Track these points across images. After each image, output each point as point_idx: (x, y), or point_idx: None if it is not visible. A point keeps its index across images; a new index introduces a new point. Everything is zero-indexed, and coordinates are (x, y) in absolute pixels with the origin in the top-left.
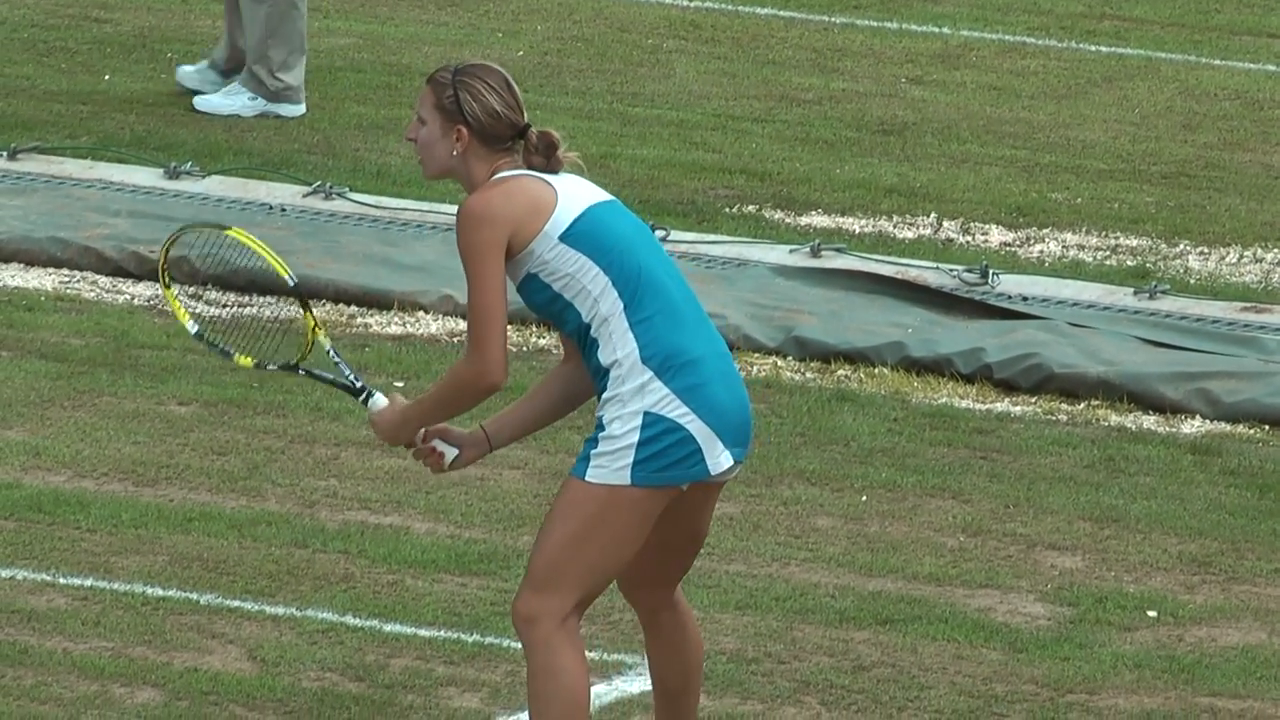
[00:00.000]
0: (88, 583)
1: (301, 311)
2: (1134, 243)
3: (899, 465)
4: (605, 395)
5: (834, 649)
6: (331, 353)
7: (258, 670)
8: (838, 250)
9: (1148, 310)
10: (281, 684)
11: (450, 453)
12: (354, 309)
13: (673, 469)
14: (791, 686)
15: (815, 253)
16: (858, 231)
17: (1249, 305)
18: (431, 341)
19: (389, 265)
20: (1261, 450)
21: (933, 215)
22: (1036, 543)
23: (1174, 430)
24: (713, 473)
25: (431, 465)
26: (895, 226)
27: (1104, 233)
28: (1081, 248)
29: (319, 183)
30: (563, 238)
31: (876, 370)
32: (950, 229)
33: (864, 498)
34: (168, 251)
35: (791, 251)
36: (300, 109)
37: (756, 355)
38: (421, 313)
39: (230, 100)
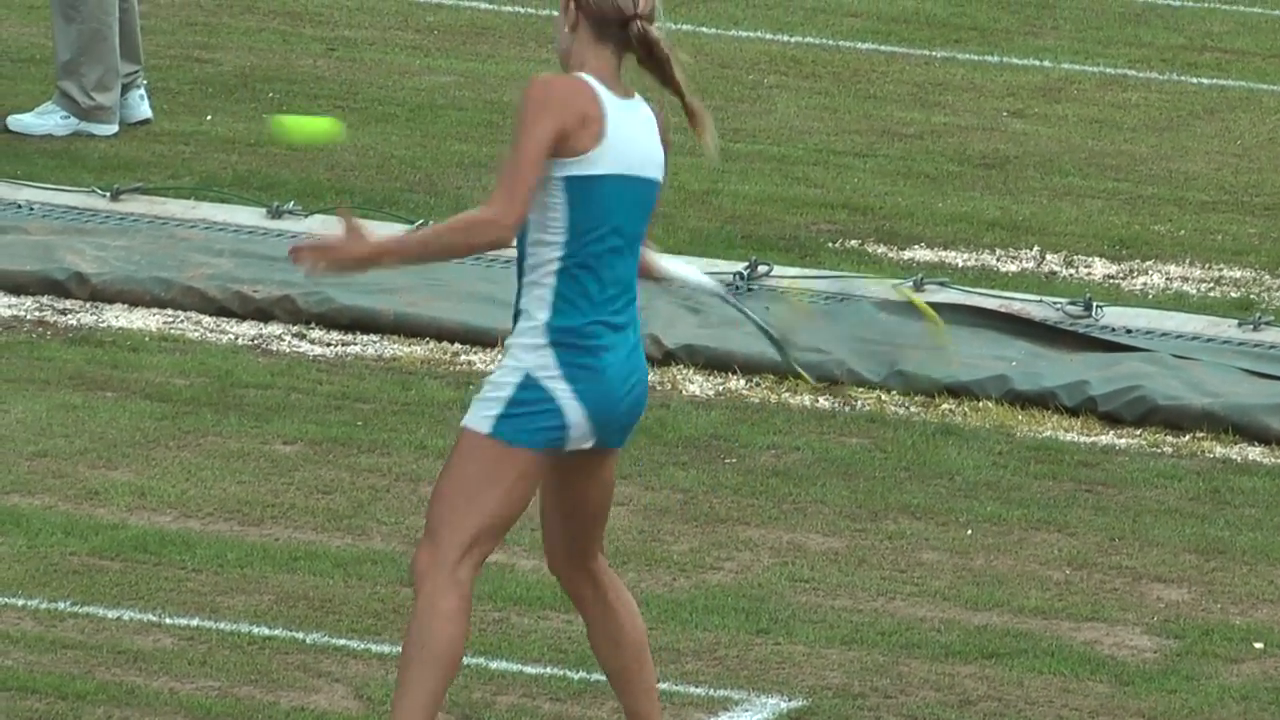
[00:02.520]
0: (194, 623)
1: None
2: (1237, 274)
3: (1004, 499)
4: (510, 338)
5: (940, 683)
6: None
7: (364, 709)
8: (941, 284)
9: (1252, 341)
10: None
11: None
12: (457, 346)
13: (533, 434)
14: None
15: (918, 287)
16: (961, 265)
17: None
18: None
19: (492, 303)
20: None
21: (1035, 248)
22: (1142, 575)
23: (1279, 461)
24: (566, 449)
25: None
26: (998, 260)
27: (1207, 264)
28: (1185, 279)
29: (421, 220)
30: (570, 179)
31: (980, 404)
32: (1053, 262)
33: (969, 531)
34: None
35: (895, 286)
36: (113, 128)
37: (861, 390)
38: None
39: (43, 120)
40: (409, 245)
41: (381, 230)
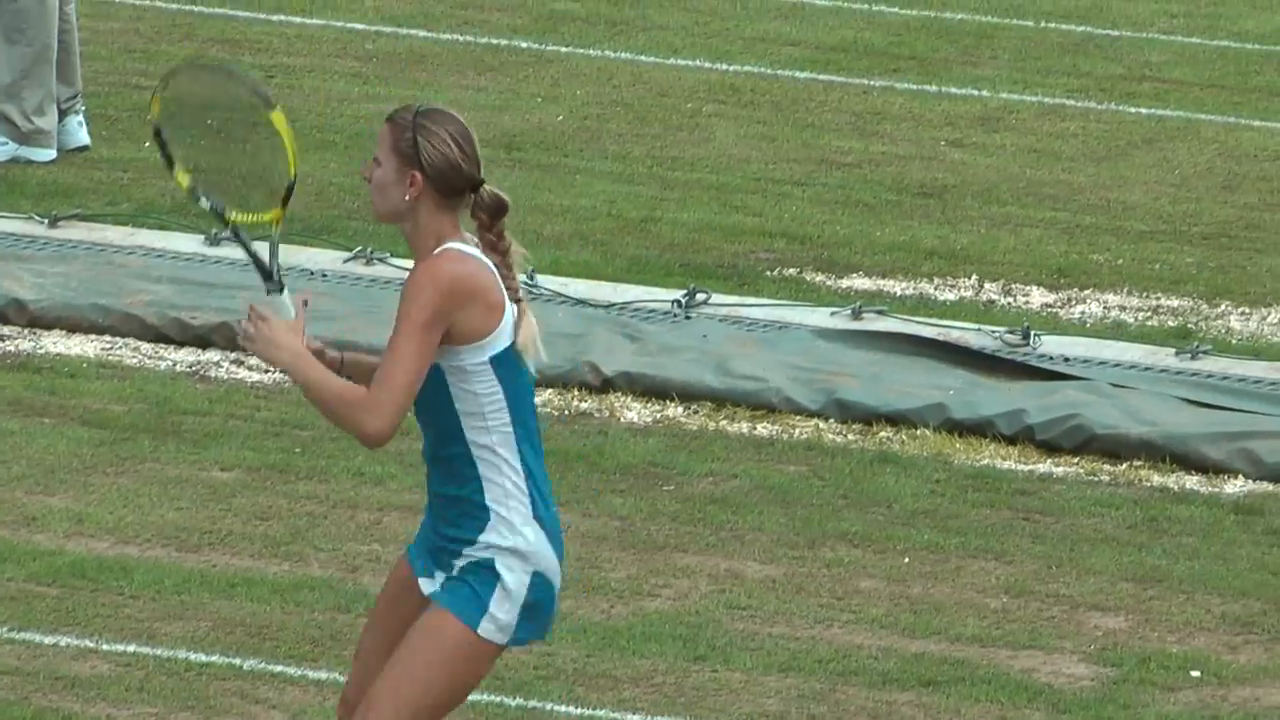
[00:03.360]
0: (131, 649)
1: (279, 204)
2: (1175, 303)
3: (942, 527)
4: (488, 539)
5: (877, 711)
6: (273, 242)
7: None
8: (879, 313)
9: (1190, 370)
10: None
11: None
12: None
13: (536, 630)
14: None
15: (857, 315)
16: (899, 293)
17: None
18: None
19: None
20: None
21: (974, 277)
22: (1080, 603)
23: (1217, 490)
24: (545, 634)
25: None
26: (936, 288)
27: (1145, 293)
28: (1123, 308)
29: (359, 248)
30: (494, 359)
31: (919, 432)
32: (991, 290)
33: (906, 559)
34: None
35: (833, 314)
36: (51, 153)
37: (799, 418)
38: None
39: None
40: (310, 377)
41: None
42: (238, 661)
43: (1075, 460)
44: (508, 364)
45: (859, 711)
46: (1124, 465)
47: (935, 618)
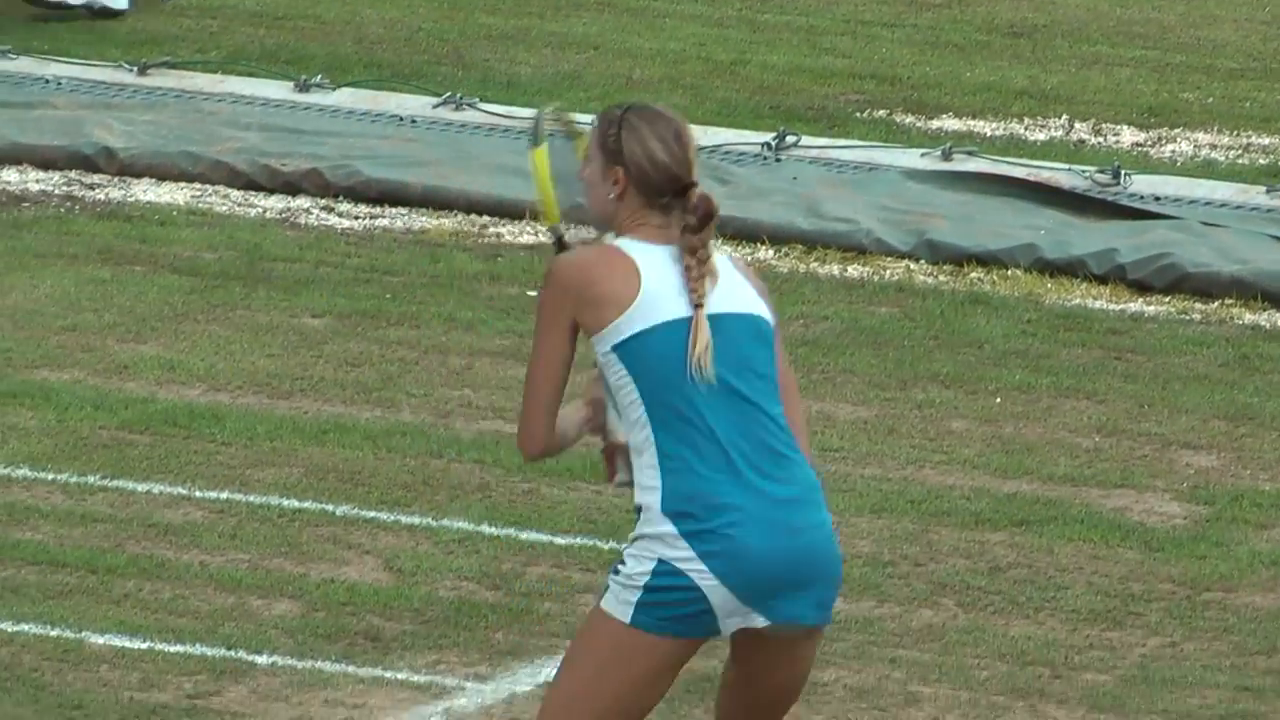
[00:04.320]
0: (224, 496)
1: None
2: (1266, 141)
3: (1033, 367)
4: (634, 532)
5: (970, 551)
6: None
7: (394, 580)
8: (969, 153)
9: None
10: (418, 594)
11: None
12: (486, 219)
13: (677, 623)
14: (928, 589)
15: (946, 156)
16: (989, 134)
17: None
18: (544, 250)
19: (520, 175)
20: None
21: (1064, 117)
22: (1172, 442)
23: None
24: (725, 633)
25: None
26: (1026, 129)
27: (1236, 132)
28: (1213, 147)
29: (449, 93)
30: (616, 348)
31: (1009, 272)
32: (1081, 130)
33: (998, 400)
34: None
35: (923, 155)
36: (124, 2)
37: (889, 259)
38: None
39: None
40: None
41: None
42: (330, 508)
43: (1166, 299)
44: (636, 354)
45: (951, 552)
46: (1215, 303)
47: (1027, 457)
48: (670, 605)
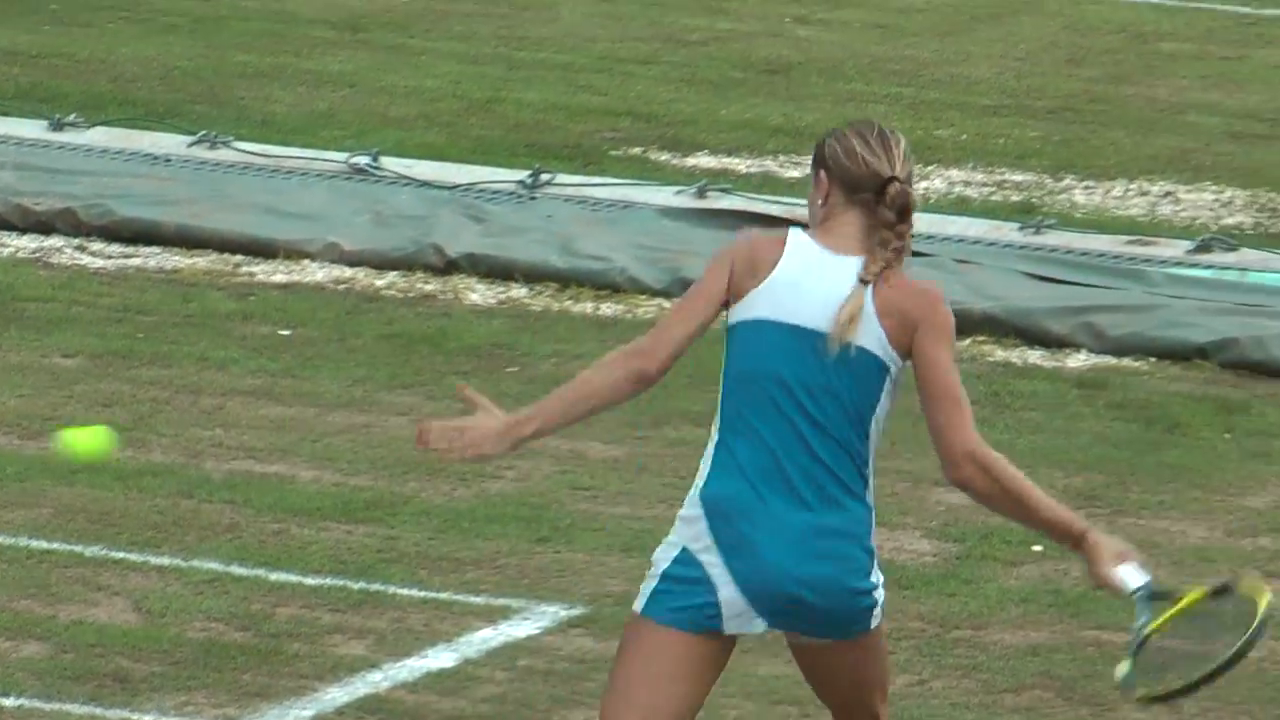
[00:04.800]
0: None
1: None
2: (1019, 178)
3: None
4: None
5: None
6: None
7: (144, 621)
8: (724, 191)
9: (1033, 245)
10: (168, 634)
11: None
12: (239, 258)
13: (680, 613)
14: None
15: (702, 194)
16: (744, 171)
17: (1135, 238)
18: (317, 290)
19: (274, 214)
20: (1148, 383)
21: None
22: (923, 479)
23: (1060, 364)
24: (726, 632)
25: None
26: (781, 166)
27: (990, 168)
28: (967, 183)
29: (204, 132)
30: (731, 326)
31: None
32: None
33: None
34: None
35: (677, 193)
36: None
37: (643, 297)
38: (307, 260)
39: None
40: (548, 405)
41: None
42: (80, 548)
43: None
44: (744, 339)
45: None
46: (968, 340)
47: None
48: (678, 594)
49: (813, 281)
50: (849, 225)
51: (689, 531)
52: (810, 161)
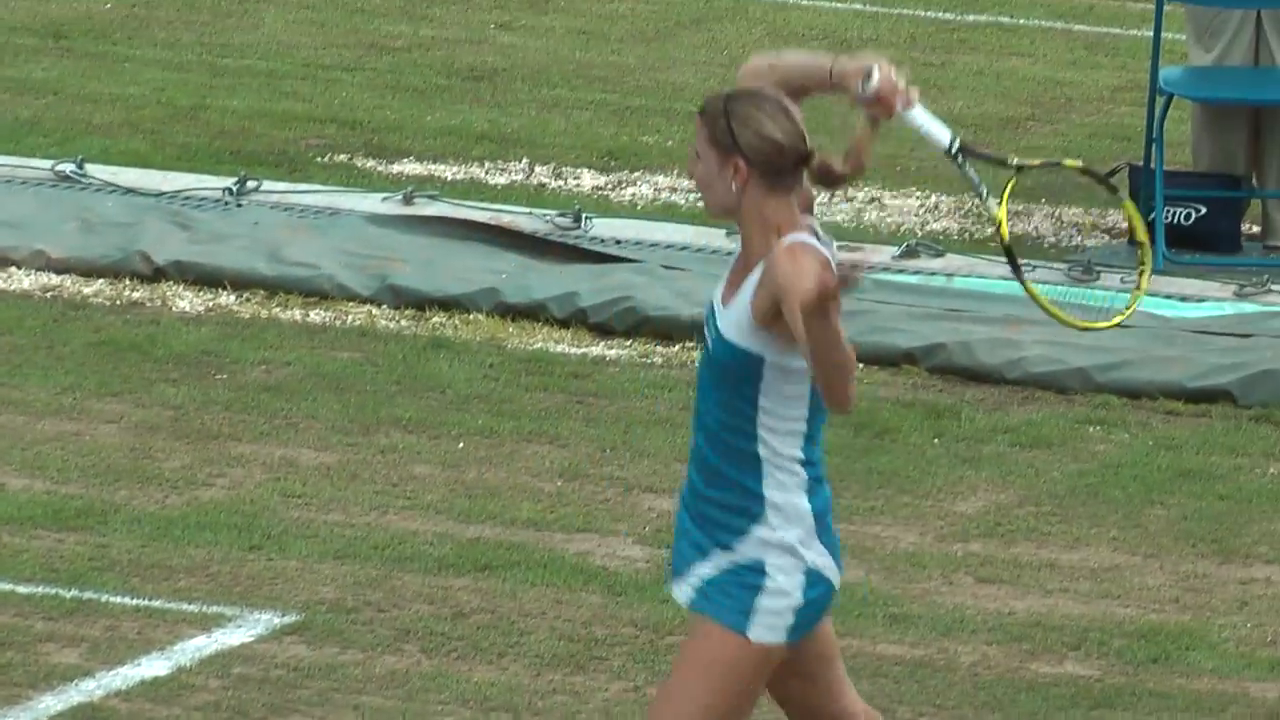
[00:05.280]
0: None
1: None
2: None
3: (496, 411)
4: (760, 534)
5: (434, 596)
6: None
7: None
8: (431, 197)
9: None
10: None
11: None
12: None
13: (811, 624)
14: (391, 635)
15: (408, 200)
16: (450, 178)
17: (841, 244)
18: (24, 297)
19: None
20: (856, 388)
21: (525, 160)
22: (634, 486)
23: None
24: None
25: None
26: (488, 172)
27: None
28: (674, 190)
29: None
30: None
31: (472, 316)
32: (542, 174)
33: (461, 445)
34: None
35: (384, 200)
36: None
37: (351, 304)
38: (13, 268)
39: None
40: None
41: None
42: None
43: (628, 342)
44: None
45: (415, 597)
46: (677, 347)
47: (490, 502)
48: (816, 615)
49: None
50: (789, 212)
51: (807, 554)
52: (709, 139)
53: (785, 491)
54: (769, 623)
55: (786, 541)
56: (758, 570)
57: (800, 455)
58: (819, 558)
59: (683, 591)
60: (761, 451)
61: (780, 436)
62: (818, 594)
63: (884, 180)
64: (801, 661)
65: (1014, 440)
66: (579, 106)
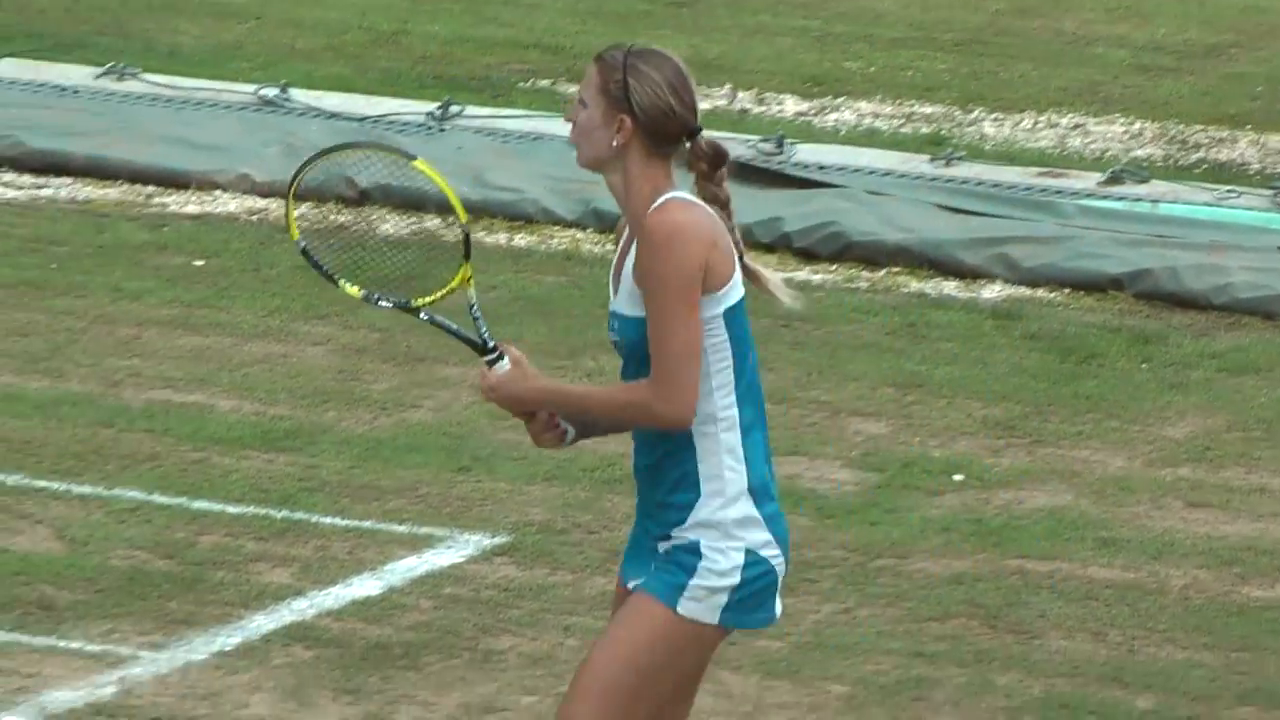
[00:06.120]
0: None
1: (461, 258)
2: (929, 110)
3: None
4: (699, 517)
5: None
6: (474, 308)
7: (67, 550)
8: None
9: (944, 177)
10: (91, 563)
11: (570, 431)
12: (151, 189)
13: (756, 612)
14: (601, 556)
15: None
16: None
17: (1045, 170)
18: (230, 220)
19: (185, 145)
20: (1061, 313)
21: (727, 86)
22: (841, 409)
23: (974, 295)
24: (776, 618)
25: (548, 442)
26: None
27: (899, 101)
28: (877, 116)
29: (111, 64)
30: (727, 312)
31: None
32: (745, 100)
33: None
34: (305, 169)
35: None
36: None
37: (556, 228)
38: (219, 191)
39: None
40: (576, 403)
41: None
42: (1, 477)
43: (833, 268)
44: (738, 321)
45: (625, 519)
46: (881, 272)
47: None
48: (757, 597)
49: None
50: (666, 174)
51: (745, 535)
52: (599, 87)
53: (721, 466)
54: (700, 599)
55: (722, 521)
56: (693, 550)
57: (730, 412)
58: (757, 535)
59: (632, 577)
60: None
61: (702, 399)
62: (756, 574)
63: (1087, 106)
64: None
65: (1221, 365)
66: (781, 32)
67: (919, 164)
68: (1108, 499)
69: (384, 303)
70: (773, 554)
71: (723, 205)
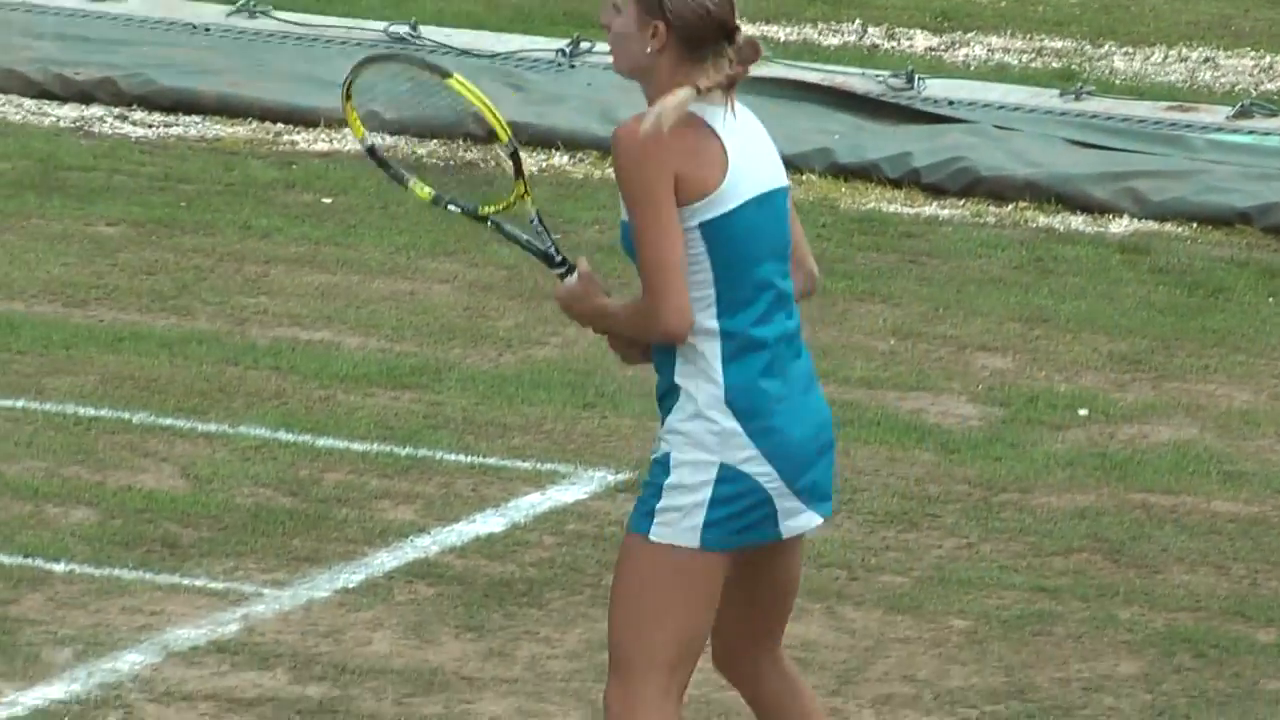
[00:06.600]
0: (19, 404)
1: (513, 174)
2: (1059, 44)
3: (828, 271)
4: (672, 425)
5: None
6: (535, 220)
7: (191, 487)
8: (764, 58)
9: (1074, 111)
10: (215, 501)
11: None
12: (280, 127)
13: (746, 532)
14: None
15: None
16: (783, 39)
17: (1174, 105)
18: (358, 158)
19: (314, 83)
20: (1190, 248)
21: (857, 21)
22: (967, 344)
23: (1102, 230)
24: (785, 536)
25: (632, 358)
26: (820, 34)
27: (1029, 35)
28: (1007, 51)
29: (243, 1)
30: (703, 225)
31: (804, 177)
32: (875, 35)
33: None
34: (361, 70)
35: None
36: None
37: None
38: (347, 129)
39: None
40: (607, 312)
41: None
42: (127, 415)
43: (961, 202)
44: (721, 233)
45: None
46: (1009, 206)
47: (824, 361)
48: (744, 516)
49: (756, 144)
50: (705, 82)
51: (721, 449)
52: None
53: (696, 375)
54: (671, 523)
55: (692, 431)
56: (664, 465)
57: (713, 325)
58: (736, 452)
59: None
60: None
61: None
62: (735, 491)
63: (1218, 40)
64: (746, 582)
65: None
66: None
67: (1048, 98)
68: (1233, 433)
69: (453, 206)
70: (759, 470)
71: (726, 91)
